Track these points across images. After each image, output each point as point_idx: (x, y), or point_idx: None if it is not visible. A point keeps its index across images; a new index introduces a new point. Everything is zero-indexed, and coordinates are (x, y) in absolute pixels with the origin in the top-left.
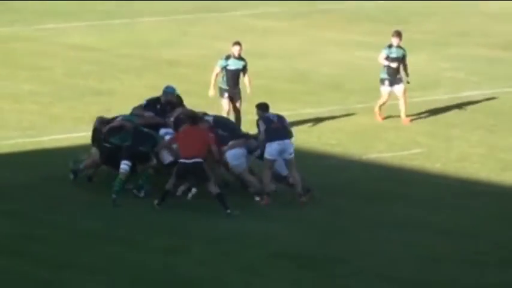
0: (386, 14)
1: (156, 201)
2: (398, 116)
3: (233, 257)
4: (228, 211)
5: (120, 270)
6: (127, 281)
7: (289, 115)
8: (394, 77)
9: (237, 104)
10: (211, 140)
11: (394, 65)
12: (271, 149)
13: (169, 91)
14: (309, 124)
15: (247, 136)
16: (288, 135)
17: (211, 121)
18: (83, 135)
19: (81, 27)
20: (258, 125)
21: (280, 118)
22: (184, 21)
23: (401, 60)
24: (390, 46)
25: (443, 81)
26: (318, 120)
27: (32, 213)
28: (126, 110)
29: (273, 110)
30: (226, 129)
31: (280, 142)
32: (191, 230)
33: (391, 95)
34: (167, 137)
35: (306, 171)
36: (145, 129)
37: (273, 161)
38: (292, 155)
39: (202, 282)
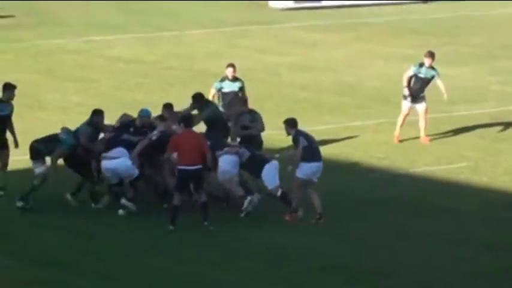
0: (433, 27)
1: (171, 227)
2: (445, 132)
3: (278, 270)
4: (206, 223)
5: (165, 282)
6: None
7: (336, 128)
8: (417, 95)
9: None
10: (207, 146)
11: (406, 91)
12: (308, 170)
13: (144, 114)
14: (356, 137)
15: (237, 146)
16: (321, 157)
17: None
18: None
19: (129, 39)
20: (295, 140)
21: (314, 138)
22: (232, 34)
23: (429, 80)
24: (421, 65)
25: (490, 94)
26: (365, 133)
27: (80, 225)
28: None
29: (321, 122)
30: (215, 139)
31: (318, 164)
32: (234, 244)
33: (411, 111)
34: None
35: (352, 185)
36: None
37: (305, 181)
38: (317, 180)
39: None
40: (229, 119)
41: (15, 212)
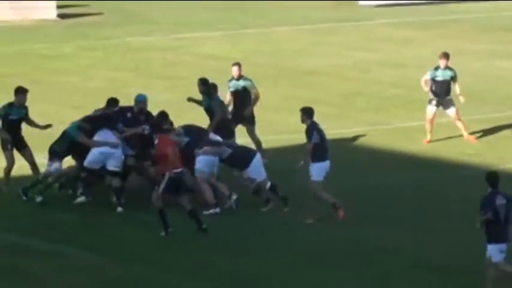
0: None
1: (162, 233)
2: None
3: (368, 267)
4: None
5: (255, 279)
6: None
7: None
8: (443, 99)
9: (250, 129)
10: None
11: (428, 91)
12: (322, 169)
13: (140, 99)
14: (446, 133)
15: (220, 143)
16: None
17: (181, 130)
18: None
19: (217, 36)
20: (308, 133)
21: (325, 135)
22: (321, 31)
23: (450, 82)
24: (437, 68)
25: None
26: (454, 129)
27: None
28: (261, 120)
29: (411, 119)
30: (196, 136)
31: (328, 162)
32: (325, 240)
33: (436, 115)
34: None
35: (443, 181)
36: None
37: (322, 183)
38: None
39: None
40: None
41: (101, 208)
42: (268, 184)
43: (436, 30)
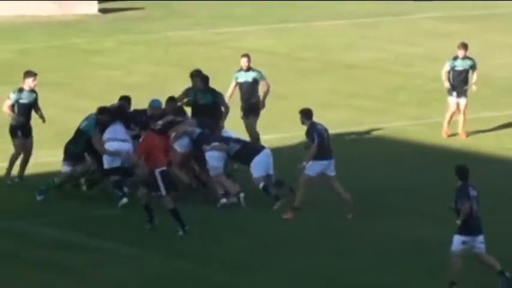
0: None
1: (148, 226)
2: None
3: (412, 261)
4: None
5: (296, 270)
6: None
7: (468, 118)
8: (461, 88)
9: (251, 120)
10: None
11: (447, 83)
12: (318, 167)
13: (155, 105)
14: (486, 128)
15: (229, 140)
16: (332, 154)
17: (195, 121)
18: (267, 138)
19: (259, 30)
20: (309, 135)
21: (327, 132)
22: (364, 24)
23: (468, 71)
24: (455, 58)
25: None
26: (495, 124)
27: (210, 216)
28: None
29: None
30: (208, 129)
31: (329, 162)
32: (363, 234)
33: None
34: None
35: (483, 176)
36: None
37: (313, 179)
38: (334, 173)
39: (382, 286)
40: None
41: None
42: (261, 184)
43: (479, 24)
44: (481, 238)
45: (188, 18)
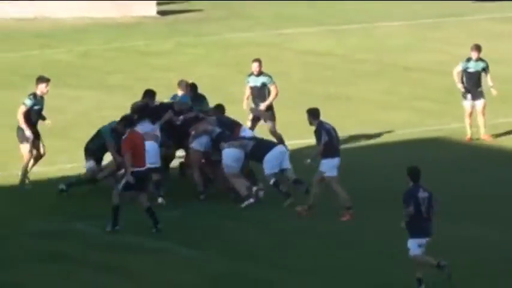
0: None
1: (108, 228)
2: None
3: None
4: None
5: (354, 275)
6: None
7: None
8: (475, 90)
9: (269, 125)
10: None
11: (459, 85)
12: (332, 165)
13: (185, 100)
14: None
15: (245, 138)
16: (339, 153)
17: (215, 120)
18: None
19: (318, 32)
20: (318, 134)
21: (335, 131)
22: (423, 26)
23: (482, 72)
24: (468, 60)
25: None
26: None
27: (270, 218)
28: (363, 115)
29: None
30: (227, 128)
31: (339, 159)
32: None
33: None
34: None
35: None
36: None
37: (336, 177)
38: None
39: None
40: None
41: (201, 206)
42: (272, 180)
43: None
44: (428, 240)
45: (248, 19)
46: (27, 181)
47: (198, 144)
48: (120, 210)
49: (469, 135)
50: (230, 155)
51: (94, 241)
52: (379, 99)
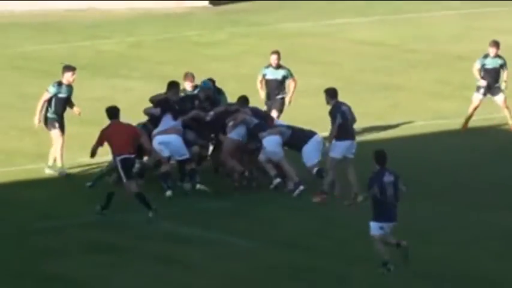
0: None
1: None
2: None
3: None
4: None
5: (411, 264)
6: (417, 275)
7: None
8: (491, 86)
9: (273, 114)
10: (139, 134)
11: (483, 82)
12: (343, 148)
13: (205, 86)
14: None
15: (282, 126)
16: (354, 135)
17: (249, 111)
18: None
19: (370, 22)
20: (333, 115)
21: (351, 110)
22: (475, 15)
23: (499, 70)
24: (486, 56)
25: None
26: None
27: (322, 208)
28: (415, 105)
29: None
30: (262, 119)
31: (351, 142)
32: (483, 225)
33: (482, 103)
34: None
35: None
36: None
37: (339, 161)
38: (353, 156)
39: (497, 277)
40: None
41: (255, 196)
42: (315, 169)
43: None
44: (391, 225)
45: (300, 9)
46: (58, 165)
47: (236, 134)
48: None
49: (464, 126)
50: (273, 141)
51: (147, 232)
52: (431, 88)
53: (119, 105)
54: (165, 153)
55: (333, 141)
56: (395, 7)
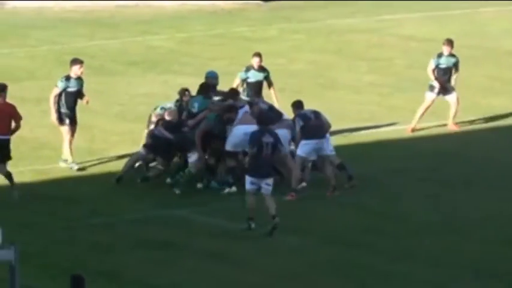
0: None
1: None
2: None
3: None
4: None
5: (460, 260)
6: (468, 272)
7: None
8: (445, 85)
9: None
10: (18, 115)
11: (437, 83)
12: (307, 148)
13: (211, 75)
14: None
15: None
16: (325, 132)
17: (266, 106)
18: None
19: (419, 18)
20: (294, 123)
21: (318, 114)
22: None
23: (453, 68)
24: (440, 55)
25: None
26: None
27: (371, 205)
28: (466, 101)
29: None
30: (274, 113)
31: (318, 141)
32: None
33: (434, 102)
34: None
35: None
36: None
37: (305, 160)
38: (334, 152)
39: None
40: None
41: (311, 191)
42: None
43: None
44: (267, 181)
45: (349, 6)
46: (69, 160)
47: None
48: None
49: (412, 126)
50: (282, 136)
51: (197, 228)
52: (482, 84)
53: (172, 101)
54: (240, 148)
55: (300, 141)
56: (443, 3)
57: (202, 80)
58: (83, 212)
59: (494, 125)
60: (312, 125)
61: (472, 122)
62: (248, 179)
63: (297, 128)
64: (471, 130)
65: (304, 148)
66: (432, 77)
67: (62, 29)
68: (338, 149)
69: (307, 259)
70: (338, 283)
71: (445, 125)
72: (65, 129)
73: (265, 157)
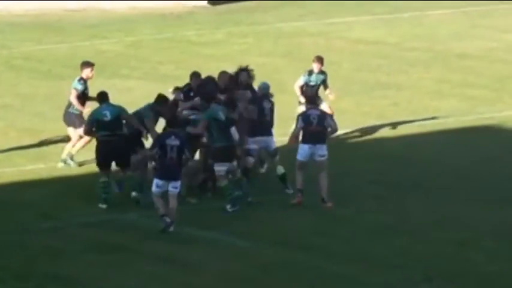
0: None
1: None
2: None
3: None
4: None
5: (411, 263)
6: (419, 274)
7: None
8: (314, 101)
9: None
10: None
11: (301, 98)
12: (303, 151)
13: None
14: None
15: None
16: (321, 140)
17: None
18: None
19: (369, 21)
20: (297, 119)
21: (321, 119)
22: (474, 14)
23: (321, 84)
24: (310, 73)
25: None
26: None
27: (322, 207)
28: (414, 104)
29: None
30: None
31: (312, 146)
32: (480, 224)
33: None
34: None
35: None
36: None
37: (303, 163)
38: (324, 158)
39: (497, 276)
40: None
41: (253, 196)
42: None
43: None
44: (174, 184)
45: (299, 8)
46: (72, 162)
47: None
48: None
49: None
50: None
51: (147, 232)
52: (431, 87)
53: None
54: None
55: (299, 144)
56: (395, 6)
57: (150, 83)
58: (33, 215)
59: (443, 128)
60: (311, 130)
61: (420, 124)
62: (155, 181)
63: (297, 127)
64: (420, 133)
65: (300, 151)
66: (298, 93)
67: (10, 33)
68: (288, 152)
69: (258, 262)
70: (289, 285)
71: (394, 127)
72: (71, 131)
73: (170, 160)
